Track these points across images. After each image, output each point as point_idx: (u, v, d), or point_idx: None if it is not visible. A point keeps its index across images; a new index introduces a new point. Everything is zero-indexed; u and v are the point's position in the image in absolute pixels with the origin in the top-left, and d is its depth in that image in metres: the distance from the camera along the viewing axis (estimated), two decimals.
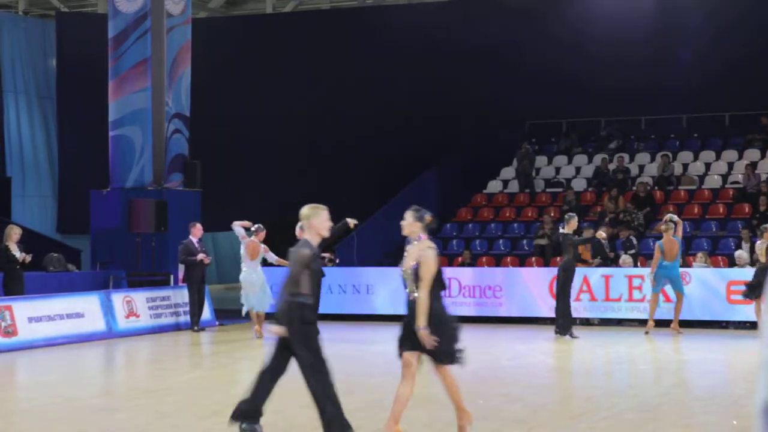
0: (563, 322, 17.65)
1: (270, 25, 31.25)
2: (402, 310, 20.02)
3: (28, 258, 17.22)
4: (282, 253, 18.41)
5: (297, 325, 8.44)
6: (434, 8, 30.22)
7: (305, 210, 8.47)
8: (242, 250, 18.17)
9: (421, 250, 8.48)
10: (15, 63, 30.69)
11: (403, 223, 8.60)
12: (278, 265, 18.31)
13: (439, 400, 9.82)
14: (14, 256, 17.04)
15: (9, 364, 15.31)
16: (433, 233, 20.16)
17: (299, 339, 8.49)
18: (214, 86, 27.95)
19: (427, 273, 8.48)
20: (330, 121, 29.12)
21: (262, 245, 18.15)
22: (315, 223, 8.38)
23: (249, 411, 8.82)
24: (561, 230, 18.03)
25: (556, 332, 17.69)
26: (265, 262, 18.30)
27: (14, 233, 17.36)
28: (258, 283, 17.96)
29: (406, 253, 8.61)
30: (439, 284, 8.72)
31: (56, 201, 30.96)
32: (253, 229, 18.10)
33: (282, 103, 29.57)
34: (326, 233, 8.51)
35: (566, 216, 18.30)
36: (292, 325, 8.43)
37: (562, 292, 17.68)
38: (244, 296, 18.04)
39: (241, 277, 18.16)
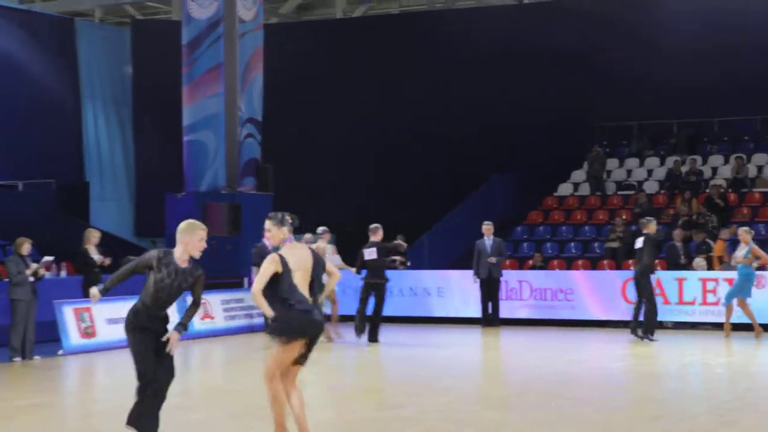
0: (648, 324, 17.36)
1: (340, 30, 31.35)
2: (473, 313, 19.93)
3: (107, 261, 17.43)
4: (350, 256, 18.48)
5: (128, 328, 8.25)
6: (504, 12, 30.10)
7: (182, 225, 8.27)
8: None
9: (302, 249, 8.32)
10: (92, 70, 31.14)
11: (268, 234, 8.36)
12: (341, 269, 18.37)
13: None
14: (92, 259, 17.26)
15: (88, 365, 15.51)
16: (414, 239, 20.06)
17: (128, 340, 8.25)
18: (285, 91, 28.10)
19: (266, 270, 8.06)
20: (399, 125, 29.09)
21: (330, 246, 18.14)
22: (186, 240, 8.17)
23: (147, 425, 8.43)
24: (644, 233, 17.67)
25: (636, 334, 17.41)
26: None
27: (93, 236, 17.57)
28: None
29: (289, 263, 8.16)
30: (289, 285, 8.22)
31: (133, 204, 31.34)
32: (318, 231, 18.06)
33: (351, 107, 29.64)
34: (197, 253, 8.23)
35: (645, 220, 18.00)
36: (125, 327, 8.30)
37: (648, 294, 17.38)
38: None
39: None
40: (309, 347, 8.29)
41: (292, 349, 8.13)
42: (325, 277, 8.92)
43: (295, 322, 8.03)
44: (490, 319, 20.01)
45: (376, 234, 17.49)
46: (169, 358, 8.29)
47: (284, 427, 8.25)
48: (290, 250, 8.20)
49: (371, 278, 17.39)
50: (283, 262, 8.01)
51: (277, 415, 8.21)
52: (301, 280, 8.16)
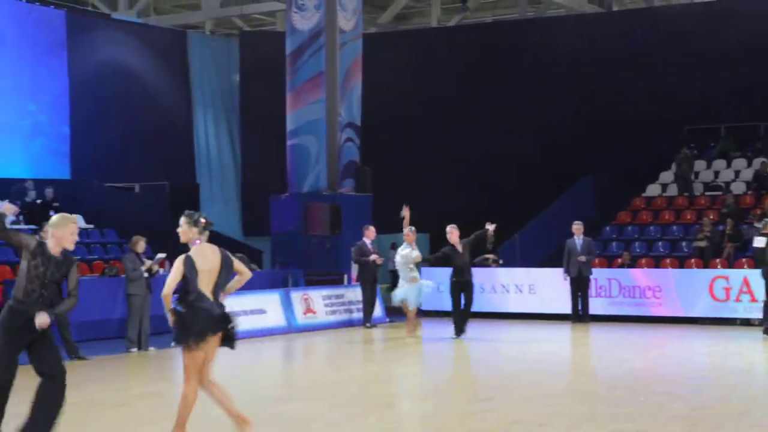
0: None
1: (436, 39, 31.33)
2: (563, 310, 19.72)
3: None
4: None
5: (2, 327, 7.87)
6: (594, 19, 29.82)
7: (54, 218, 8.01)
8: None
9: (211, 250, 8.07)
10: (203, 79, 31.63)
11: (178, 231, 8.17)
12: (416, 260, 18.07)
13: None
14: None
15: None
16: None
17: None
18: (383, 97, 28.19)
19: (169, 280, 7.92)
20: (491, 128, 29.00)
21: (410, 249, 18.06)
22: (57, 233, 7.88)
23: None
24: (763, 233, 17.11)
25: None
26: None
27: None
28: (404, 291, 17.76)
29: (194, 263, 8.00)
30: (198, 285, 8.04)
31: (240, 205, 31.74)
32: (405, 231, 18.03)
33: (445, 111, 29.62)
34: (70, 246, 7.93)
35: (765, 220, 17.43)
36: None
37: None
38: (402, 291, 17.79)
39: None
40: (224, 338, 8.21)
41: (196, 353, 8.06)
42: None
43: (197, 325, 7.95)
44: (580, 315, 19.82)
45: (453, 234, 17.31)
46: (54, 353, 7.99)
47: (184, 427, 8.17)
48: (199, 250, 8.05)
49: (459, 277, 17.29)
50: (189, 264, 7.91)
51: (180, 415, 8.13)
52: (206, 280, 8.00)
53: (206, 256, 8.03)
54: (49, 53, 26.19)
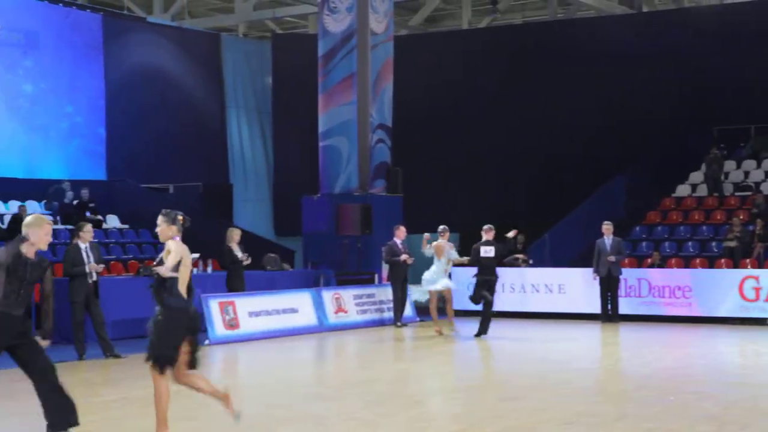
0: None
1: (466, 40, 31.27)
2: (592, 309, 19.62)
3: (247, 261, 17.72)
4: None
5: None
6: (624, 20, 29.67)
7: (28, 219, 8.03)
8: (430, 252, 18.08)
9: (179, 246, 8.05)
10: (236, 81, 31.77)
11: (157, 230, 8.18)
12: (458, 264, 18.41)
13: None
14: (237, 257, 17.58)
15: (231, 354, 15.83)
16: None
17: None
18: (414, 98, 28.19)
19: (171, 259, 7.94)
20: (521, 129, 28.91)
21: (448, 243, 18.14)
22: (32, 233, 7.89)
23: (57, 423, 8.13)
24: None
25: None
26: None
27: (236, 235, 17.90)
28: (440, 281, 17.86)
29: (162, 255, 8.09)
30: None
31: (272, 205, 31.85)
32: (439, 230, 18.11)
33: (475, 112, 29.57)
34: (44, 246, 7.96)
35: None
36: None
37: None
38: (418, 291, 17.92)
39: (426, 275, 18.09)
40: (192, 341, 8.26)
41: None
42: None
43: (172, 344, 8.04)
44: (609, 315, 19.75)
45: (489, 233, 17.38)
46: (39, 351, 8.00)
47: (166, 423, 8.18)
48: (182, 245, 8.13)
49: (485, 275, 17.28)
50: (186, 255, 8.02)
51: (160, 411, 8.14)
52: (183, 277, 8.06)
53: (187, 253, 8.11)
54: (86, 56, 26.41)
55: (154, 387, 8.12)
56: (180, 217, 8.15)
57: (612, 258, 19.64)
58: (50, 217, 22.46)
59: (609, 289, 19.81)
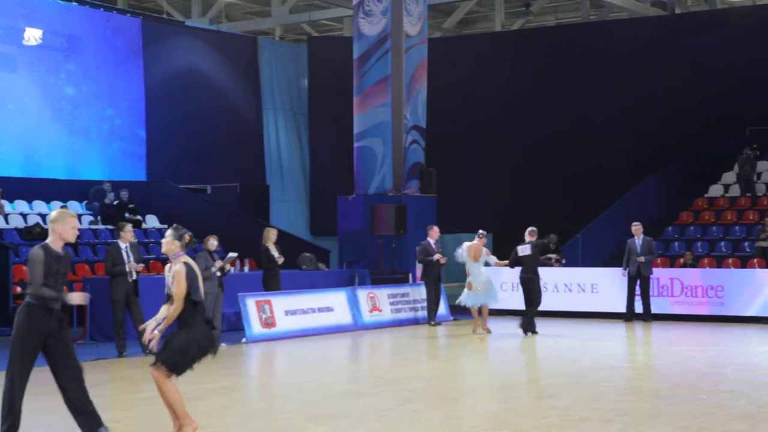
0: None
1: (500, 42, 31.19)
2: (625, 309, 19.39)
3: (281, 260, 17.72)
4: (503, 256, 18.41)
5: (18, 321, 7.91)
6: (656, 22, 29.48)
7: (53, 214, 8.09)
8: (465, 253, 18.01)
9: (176, 266, 8.12)
10: (273, 83, 31.86)
11: (162, 241, 8.28)
12: (496, 266, 18.45)
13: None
14: (273, 256, 17.60)
15: (268, 352, 15.86)
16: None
17: (14, 329, 7.94)
18: (448, 99, 28.14)
19: (178, 289, 8.04)
20: (554, 131, 28.79)
21: (484, 248, 18.08)
22: (59, 228, 7.96)
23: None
24: None
25: None
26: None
27: (272, 234, 17.91)
28: (485, 281, 17.84)
29: (167, 272, 8.22)
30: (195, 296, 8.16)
31: (308, 205, 31.91)
32: (479, 234, 18.07)
33: (508, 114, 29.50)
34: (71, 238, 8.05)
35: None
36: (17, 318, 7.96)
37: None
38: (468, 294, 17.87)
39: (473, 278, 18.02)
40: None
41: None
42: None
43: (200, 334, 8.10)
44: (638, 314, 19.64)
45: (533, 236, 17.48)
46: (72, 358, 8.02)
47: (188, 416, 8.12)
48: (189, 260, 8.25)
49: (525, 273, 17.33)
50: (192, 272, 8.10)
51: (178, 407, 8.08)
52: (201, 288, 8.22)
53: (194, 273, 8.19)
54: (126, 59, 26.57)
55: (162, 389, 8.03)
56: (187, 236, 8.27)
57: (642, 258, 19.52)
58: (91, 217, 22.64)
59: (640, 288, 19.72)
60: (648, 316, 19.54)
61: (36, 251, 7.91)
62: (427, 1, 24.29)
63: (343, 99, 25.22)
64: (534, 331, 17.30)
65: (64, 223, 7.98)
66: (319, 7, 31.22)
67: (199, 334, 8.06)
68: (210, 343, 8.17)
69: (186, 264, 8.12)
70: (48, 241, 7.97)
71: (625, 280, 19.79)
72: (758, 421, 9.17)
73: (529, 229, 17.59)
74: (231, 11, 33.41)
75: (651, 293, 19.79)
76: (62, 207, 22.15)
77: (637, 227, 19.94)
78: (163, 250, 8.27)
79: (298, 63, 32.39)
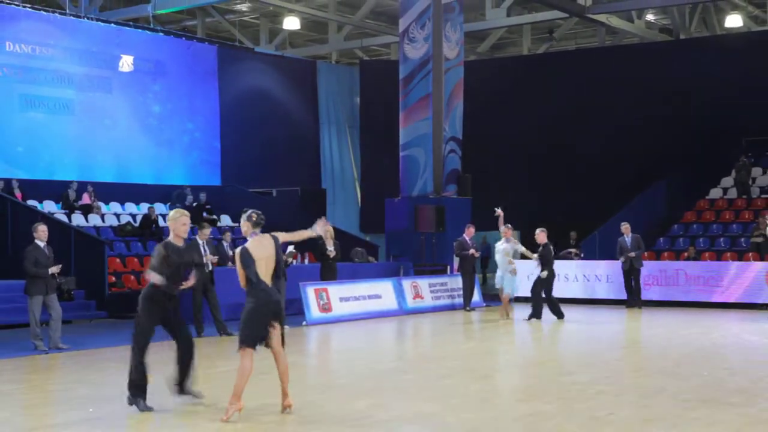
0: None
1: (526, 64, 31.09)
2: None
3: (333, 254, 17.70)
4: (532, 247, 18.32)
5: (142, 300, 8.34)
6: (662, 45, 29.24)
7: (171, 213, 8.46)
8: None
9: (237, 250, 8.01)
10: (329, 100, 31.99)
11: (240, 225, 8.22)
12: (524, 256, 18.22)
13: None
14: (327, 250, 17.65)
15: (325, 334, 15.94)
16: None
17: (140, 309, 8.34)
18: (481, 114, 28.08)
19: (239, 272, 7.98)
20: (576, 142, 28.61)
21: (512, 239, 17.97)
22: (172, 225, 8.43)
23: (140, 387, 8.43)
24: None
25: None
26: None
27: (319, 228, 17.85)
28: (506, 285, 17.69)
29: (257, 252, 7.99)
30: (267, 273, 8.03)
31: (359, 207, 31.99)
32: (502, 229, 17.94)
33: (535, 126, 29.36)
34: (183, 234, 8.37)
35: None
36: (141, 299, 8.37)
37: None
38: (501, 278, 17.78)
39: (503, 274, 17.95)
40: (278, 323, 8.12)
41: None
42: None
43: (259, 304, 7.93)
44: (634, 300, 19.59)
45: (541, 235, 17.27)
46: (183, 324, 8.61)
47: (240, 397, 7.95)
48: (255, 241, 8.03)
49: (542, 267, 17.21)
50: (246, 255, 7.93)
51: (238, 386, 7.93)
52: (264, 267, 7.99)
53: (263, 245, 8.05)
54: (204, 81, 26.83)
55: (240, 362, 8.02)
56: (254, 215, 8.14)
57: (632, 254, 19.43)
58: None
59: (633, 279, 19.61)
60: (639, 302, 19.49)
61: (156, 246, 8.48)
62: (463, 29, 24.26)
63: (390, 114, 25.27)
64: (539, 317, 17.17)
65: (176, 221, 8.44)
66: (369, 34, 31.29)
67: (259, 306, 7.94)
68: (269, 310, 7.94)
69: (242, 249, 8.01)
70: (169, 237, 8.49)
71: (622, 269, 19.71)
72: (753, 395, 9.10)
73: (539, 230, 17.44)
74: (294, 39, 33.60)
75: (659, 283, 19.64)
76: (150, 207, 22.38)
77: (626, 227, 19.85)
78: (243, 233, 8.25)
79: (351, 83, 32.47)
